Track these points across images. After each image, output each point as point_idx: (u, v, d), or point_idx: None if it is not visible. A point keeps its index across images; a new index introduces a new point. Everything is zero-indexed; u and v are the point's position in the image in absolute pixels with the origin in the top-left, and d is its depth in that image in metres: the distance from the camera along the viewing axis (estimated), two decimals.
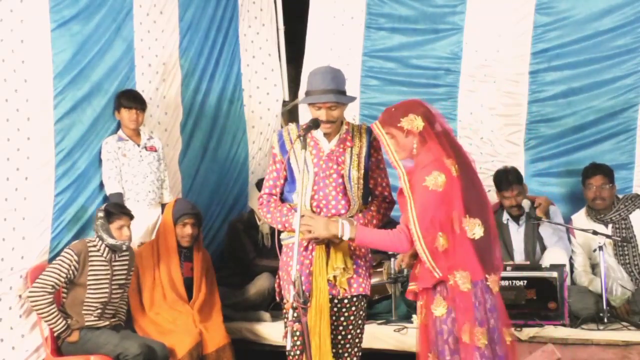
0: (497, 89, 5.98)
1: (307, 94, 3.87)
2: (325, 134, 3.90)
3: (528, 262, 5.20)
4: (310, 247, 3.88)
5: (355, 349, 4.01)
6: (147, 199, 5.32)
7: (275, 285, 4.07)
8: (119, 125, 5.32)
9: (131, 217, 4.85)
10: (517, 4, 5.92)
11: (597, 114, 5.77)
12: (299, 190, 3.86)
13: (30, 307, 4.63)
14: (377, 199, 4.03)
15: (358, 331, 4.01)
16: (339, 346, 3.93)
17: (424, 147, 3.58)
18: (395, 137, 3.60)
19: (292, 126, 4.02)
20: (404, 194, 3.64)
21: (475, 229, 3.57)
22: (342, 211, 3.89)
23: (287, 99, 6.67)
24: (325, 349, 3.79)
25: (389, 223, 5.77)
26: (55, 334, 4.63)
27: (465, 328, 3.55)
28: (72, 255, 4.63)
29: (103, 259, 4.72)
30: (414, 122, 3.56)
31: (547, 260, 5.16)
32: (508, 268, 4.91)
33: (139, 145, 5.32)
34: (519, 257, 5.39)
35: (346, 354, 3.96)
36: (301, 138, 3.75)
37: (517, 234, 5.46)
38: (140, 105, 5.31)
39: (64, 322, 4.59)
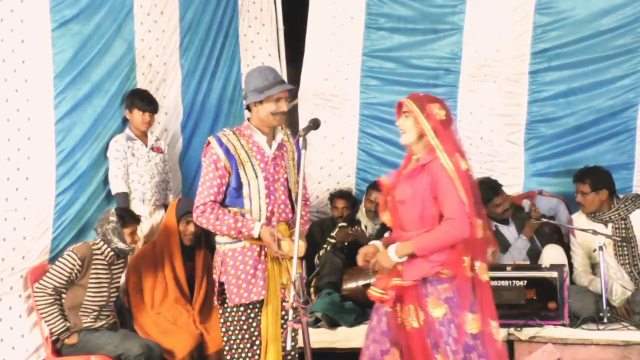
0: (497, 89, 5.98)
1: (264, 88, 3.95)
2: (266, 137, 4.04)
3: (528, 262, 5.21)
4: (263, 253, 3.98)
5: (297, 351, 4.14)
6: (153, 200, 5.34)
7: (215, 289, 4.08)
8: (120, 125, 5.34)
9: (139, 222, 4.90)
10: (517, 4, 5.92)
11: (597, 114, 5.77)
12: (259, 193, 3.97)
13: (32, 306, 4.65)
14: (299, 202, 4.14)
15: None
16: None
17: (443, 137, 3.67)
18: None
19: (227, 131, 4.09)
20: (419, 173, 3.67)
21: (478, 231, 3.65)
22: (290, 215, 4.03)
23: None
24: (280, 352, 3.94)
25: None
26: (54, 337, 4.63)
27: (473, 318, 3.60)
28: (75, 260, 4.62)
29: (105, 262, 4.73)
30: (440, 112, 3.70)
31: (545, 258, 5.17)
32: (508, 268, 4.91)
33: (146, 146, 5.34)
34: (518, 255, 5.40)
35: (289, 357, 4.08)
36: (301, 138, 3.78)
37: (510, 233, 5.48)
38: (154, 109, 5.35)
39: (63, 324, 4.59)
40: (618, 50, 5.71)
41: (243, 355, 4.00)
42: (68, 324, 4.62)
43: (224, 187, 3.98)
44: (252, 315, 3.98)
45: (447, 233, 3.56)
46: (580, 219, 5.32)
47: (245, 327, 3.99)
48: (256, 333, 3.99)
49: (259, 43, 6.51)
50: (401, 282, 3.66)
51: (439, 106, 3.72)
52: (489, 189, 5.44)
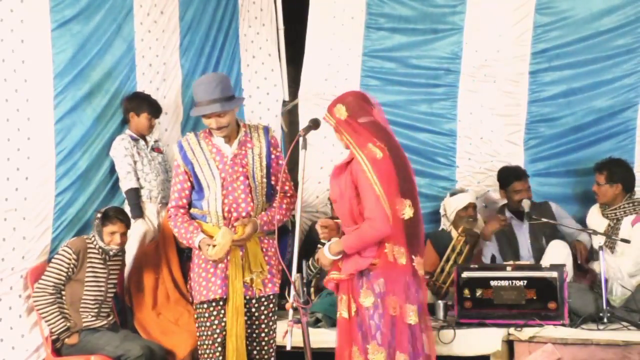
0: (497, 89, 5.98)
1: (196, 105, 4.05)
2: (225, 138, 4.09)
3: (528, 262, 5.21)
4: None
5: (273, 347, 4.20)
6: (159, 198, 5.35)
7: (188, 287, 4.31)
8: (120, 125, 5.34)
9: (128, 225, 4.86)
10: (517, 4, 5.91)
11: (597, 114, 5.76)
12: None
13: (32, 306, 4.65)
14: (278, 194, 4.18)
15: (273, 329, 4.20)
16: (262, 343, 4.16)
17: (354, 130, 3.75)
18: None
19: (190, 135, 4.20)
20: (343, 171, 3.77)
21: (405, 210, 3.71)
22: (252, 213, 4.09)
23: (287, 99, 6.67)
24: (242, 349, 4.03)
25: None
26: (54, 336, 4.64)
27: (392, 300, 3.67)
28: (70, 254, 4.65)
29: (100, 257, 4.76)
30: (340, 111, 3.79)
31: (548, 253, 5.19)
32: (508, 268, 4.92)
33: (147, 146, 5.35)
34: (526, 254, 5.42)
35: (265, 355, 4.16)
36: (301, 138, 3.80)
37: (521, 231, 5.49)
38: (160, 113, 5.43)
39: (64, 323, 4.60)
40: (618, 50, 5.71)
41: (207, 351, 4.10)
42: (68, 324, 4.62)
43: (188, 192, 4.14)
44: (215, 312, 4.08)
45: (367, 233, 3.68)
46: (593, 213, 5.32)
47: (208, 324, 4.09)
48: (218, 331, 4.08)
49: (259, 43, 6.52)
50: (339, 275, 3.81)
51: (339, 104, 3.81)
52: (510, 173, 5.56)
